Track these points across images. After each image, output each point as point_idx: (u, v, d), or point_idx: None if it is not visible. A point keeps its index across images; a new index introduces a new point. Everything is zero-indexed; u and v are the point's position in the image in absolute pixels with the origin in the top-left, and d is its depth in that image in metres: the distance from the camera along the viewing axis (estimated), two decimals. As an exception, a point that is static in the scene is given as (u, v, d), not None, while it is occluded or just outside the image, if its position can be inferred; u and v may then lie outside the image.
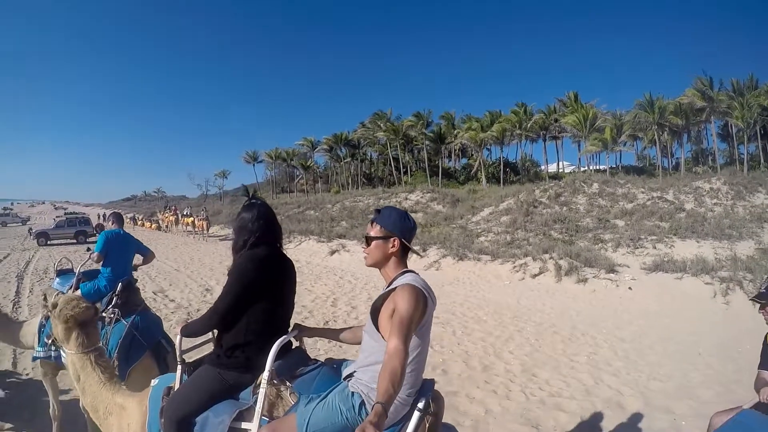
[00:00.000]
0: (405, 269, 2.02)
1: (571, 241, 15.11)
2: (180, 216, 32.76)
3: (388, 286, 1.97)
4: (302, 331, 2.41)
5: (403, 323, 1.72)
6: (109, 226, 4.67)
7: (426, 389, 1.96)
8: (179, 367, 2.36)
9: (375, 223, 2.07)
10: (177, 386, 2.32)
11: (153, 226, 40.51)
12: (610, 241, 14.43)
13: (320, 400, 1.89)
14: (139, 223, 45.39)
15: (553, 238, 15.63)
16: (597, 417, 4.34)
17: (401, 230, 2.02)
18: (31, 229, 29.83)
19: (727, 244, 12.84)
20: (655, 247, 13.37)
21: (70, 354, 2.71)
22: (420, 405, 1.85)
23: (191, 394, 2.19)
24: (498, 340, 6.79)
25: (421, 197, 28.17)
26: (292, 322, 2.45)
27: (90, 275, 4.46)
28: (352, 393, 1.87)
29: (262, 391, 2.01)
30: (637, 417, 4.33)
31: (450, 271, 13.14)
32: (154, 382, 2.50)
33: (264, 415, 1.99)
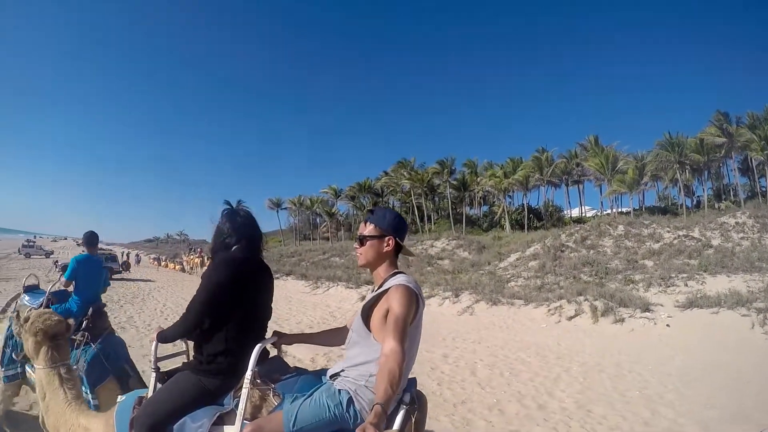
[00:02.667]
0: (396, 270, 2.05)
1: (601, 283, 15.27)
2: (206, 259, 33.46)
3: (379, 287, 2.00)
4: (281, 337, 2.39)
5: (399, 324, 1.75)
6: (80, 249, 4.91)
7: (409, 386, 1.98)
8: (153, 374, 2.34)
9: (369, 223, 2.09)
10: (150, 394, 2.31)
11: (177, 267, 41.41)
12: (641, 282, 14.59)
13: (306, 398, 1.90)
14: (163, 263, 46.50)
15: (583, 281, 15.82)
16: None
17: (396, 229, 2.05)
18: (57, 261, 30.46)
19: (758, 277, 12.93)
20: (686, 285, 13.50)
21: (38, 369, 2.69)
22: (405, 399, 1.88)
23: (167, 400, 2.15)
24: (546, 380, 7.05)
25: (447, 244, 28.59)
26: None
27: (60, 296, 4.56)
28: (339, 390, 1.89)
29: (244, 392, 2.00)
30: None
31: (484, 316, 13.38)
32: (120, 398, 2.48)
33: (246, 418, 1.97)
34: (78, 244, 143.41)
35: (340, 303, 17.84)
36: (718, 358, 7.95)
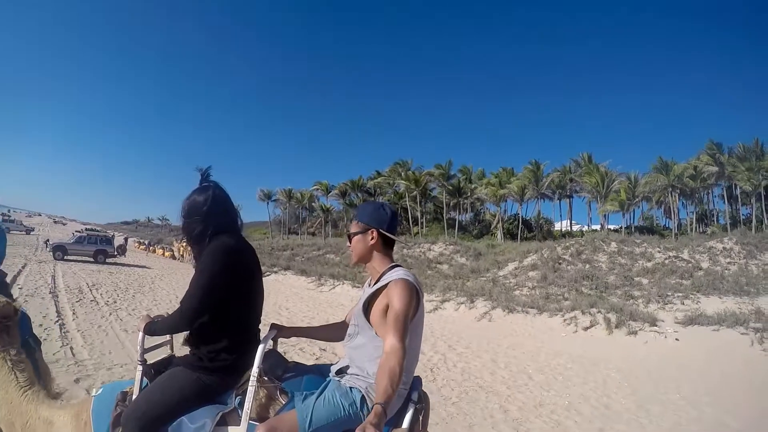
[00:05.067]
0: (393, 264, 2.05)
1: (602, 297, 16.62)
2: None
3: (377, 281, 2.00)
4: (280, 330, 2.34)
5: (399, 320, 1.76)
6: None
7: (416, 384, 2.00)
8: (139, 368, 2.17)
9: (353, 220, 2.14)
10: (136, 389, 2.15)
11: (167, 254, 41.13)
12: (640, 298, 16.01)
13: (318, 396, 1.87)
14: (151, 249, 46.04)
15: (585, 294, 17.14)
16: None
17: (377, 221, 2.05)
18: (48, 240, 28.80)
19: (748, 300, 14.48)
20: (683, 303, 14.94)
21: None
22: (414, 397, 1.91)
23: (162, 398, 2.01)
24: (597, 385, 8.09)
25: (445, 249, 29.72)
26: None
27: None
28: (351, 389, 1.88)
29: (251, 389, 1.93)
30: None
31: (503, 324, 14.49)
32: (95, 391, 2.28)
33: (252, 418, 1.92)
34: (54, 222, 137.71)
35: (353, 302, 18.69)
36: (729, 370, 9.27)
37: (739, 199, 40.17)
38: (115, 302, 12.48)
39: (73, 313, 10.31)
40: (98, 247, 26.73)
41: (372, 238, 2.05)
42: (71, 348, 7.23)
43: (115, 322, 9.79)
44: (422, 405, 1.95)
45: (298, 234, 62.72)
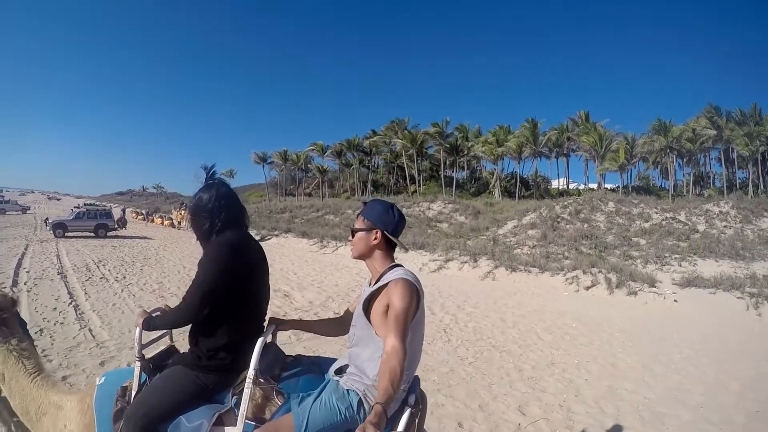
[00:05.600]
0: (393, 263, 2.07)
1: (601, 256, 17.07)
2: None
3: (377, 281, 2.02)
4: (279, 324, 2.34)
5: (400, 320, 1.77)
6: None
7: (413, 386, 2.00)
8: (138, 364, 2.20)
9: (360, 215, 2.14)
10: (135, 385, 2.19)
11: (166, 222, 41.31)
12: (638, 258, 16.46)
13: (315, 399, 1.87)
14: (150, 219, 46.16)
15: (585, 254, 17.58)
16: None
17: (383, 223, 2.06)
18: (47, 219, 28.70)
19: (743, 264, 14.96)
20: (680, 265, 15.41)
21: None
22: (410, 401, 1.90)
23: (161, 398, 2.04)
24: (602, 344, 8.47)
25: (444, 208, 30.04)
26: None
27: None
28: (348, 391, 1.88)
29: (247, 391, 1.93)
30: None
31: (507, 282, 14.93)
32: (99, 380, 2.33)
33: (248, 418, 1.93)
34: (49, 198, 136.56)
35: (357, 263, 19.04)
36: (726, 333, 9.73)
37: (736, 163, 40.67)
38: (124, 278, 12.69)
39: (85, 293, 10.39)
40: (98, 222, 26.74)
41: (375, 239, 2.06)
42: (90, 330, 7.40)
43: (129, 298, 9.99)
44: (418, 408, 1.95)
45: (294, 195, 62.79)
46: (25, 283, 11.06)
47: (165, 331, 2.44)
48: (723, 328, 10.15)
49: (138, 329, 2.18)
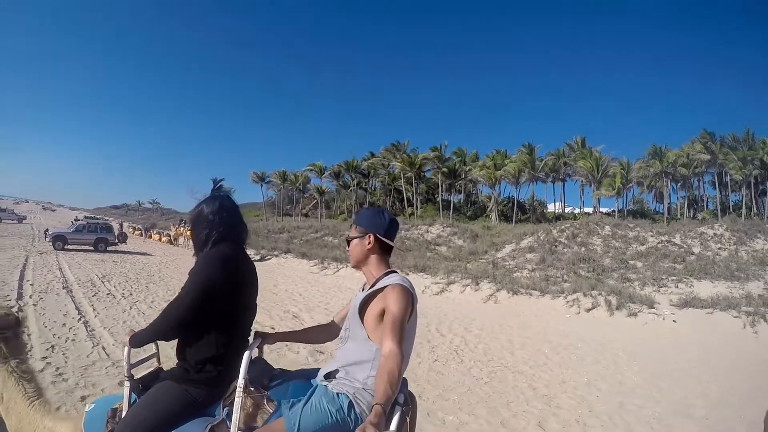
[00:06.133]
0: (389, 269, 2.11)
1: (600, 279, 17.46)
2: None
3: (372, 286, 2.04)
4: (265, 338, 2.34)
5: (396, 325, 1.80)
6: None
7: (402, 386, 2.00)
8: (127, 384, 2.19)
9: (353, 224, 2.18)
10: (125, 406, 2.17)
11: (164, 239, 40.85)
12: (636, 280, 16.86)
13: (305, 403, 1.88)
14: (148, 235, 45.55)
15: (584, 277, 17.96)
16: None
17: (375, 226, 2.10)
18: (47, 230, 28.78)
19: (738, 285, 15.40)
20: (677, 287, 15.81)
21: None
22: (400, 400, 1.91)
23: (150, 415, 2.02)
24: (609, 363, 8.79)
25: (442, 231, 30.48)
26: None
27: None
28: (338, 394, 1.89)
29: (237, 401, 1.95)
30: None
31: (509, 305, 15.21)
32: (88, 406, 2.34)
33: (240, 428, 1.94)
34: (44, 208, 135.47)
35: (359, 284, 19.29)
36: (724, 351, 10.10)
37: (729, 186, 41.87)
38: (131, 294, 12.70)
39: (93, 309, 10.33)
40: (98, 236, 26.60)
41: (369, 243, 2.10)
42: (104, 348, 7.31)
43: (138, 316, 10.01)
44: (409, 407, 1.97)
45: (291, 215, 63.21)
46: (30, 296, 11.06)
47: (154, 351, 2.45)
48: (721, 346, 10.50)
49: (126, 348, 2.17)
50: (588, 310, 13.87)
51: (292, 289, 16.86)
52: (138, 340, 2.15)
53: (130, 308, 10.79)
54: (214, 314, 2.06)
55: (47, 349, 7.04)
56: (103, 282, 14.63)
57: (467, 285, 17.46)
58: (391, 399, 1.63)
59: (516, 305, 15.16)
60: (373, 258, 2.12)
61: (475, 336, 10.69)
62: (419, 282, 18.64)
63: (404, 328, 1.84)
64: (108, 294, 12.51)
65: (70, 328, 8.51)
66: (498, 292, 16.24)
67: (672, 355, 9.61)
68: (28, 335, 7.64)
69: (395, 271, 2.09)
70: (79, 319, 9.24)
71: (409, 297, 1.91)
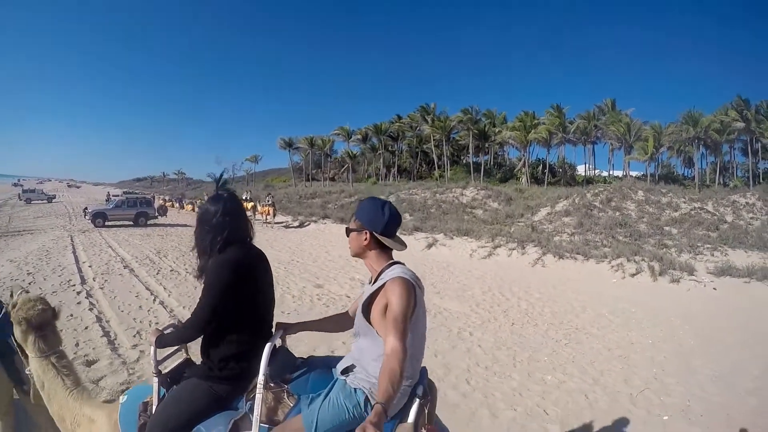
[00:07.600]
0: (391, 261, 2.12)
1: (637, 245, 18.48)
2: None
3: (375, 280, 2.08)
4: (286, 329, 2.43)
5: (398, 321, 1.82)
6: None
7: (422, 377, 2.06)
8: (155, 379, 2.33)
9: (353, 216, 2.18)
10: (155, 400, 2.31)
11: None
12: (673, 247, 17.90)
13: (323, 399, 1.95)
14: (181, 205, 47.29)
15: (622, 242, 19.02)
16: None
17: (372, 223, 2.09)
18: (86, 208, 29.08)
19: (771, 255, 16.40)
20: (713, 255, 16.84)
21: (31, 358, 2.65)
22: (418, 392, 1.96)
23: (179, 411, 2.15)
24: (665, 329, 9.99)
25: (477, 194, 31.38)
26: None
27: None
28: (355, 389, 1.95)
29: (258, 396, 2.02)
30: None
31: (556, 269, 16.38)
32: (122, 398, 2.49)
33: (262, 421, 2.02)
34: (69, 186, 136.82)
35: (416, 251, 20.50)
36: (765, 322, 11.27)
37: (759, 154, 42.13)
38: (194, 269, 13.66)
39: (164, 288, 10.41)
40: (139, 210, 27.31)
41: (365, 239, 2.11)
42: None
43: None
44: (427, 399, 2.00)
45: (318, 180, 64.35)
46: (94, 279, 11.20)
47: (175, 348, 2.60)
48: (763, 315, 11.64)
49: (153, 347, 2.35)
50: (632, 276, 15.00)
51: (345, 254, 17.53)
52: (163, 342, 2.35)
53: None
54: (233, 315, 2.20)
55: (134, 336, 7.14)
56: (160, 258, 15.00)
57: (513, 249, 18.61)
58: (392, 398, 1.65)
59: (563, 269, 16.34)
60: (372, 253, 2.14)
61: (537, 299, 11.92)
62: (465, 246, 19.86)
63: (407, 323, 1.85)
64: (171, 270, 12.83)
65: (149, 310, 8.67)
66: (544, 256, 17.40)
67: (717, 322, 10.74)
68: (107, 321, 7.93)
69: (398, 262, 2.13)
70: (154, 300, 9.37)
71: (410, 289, 1.93)
